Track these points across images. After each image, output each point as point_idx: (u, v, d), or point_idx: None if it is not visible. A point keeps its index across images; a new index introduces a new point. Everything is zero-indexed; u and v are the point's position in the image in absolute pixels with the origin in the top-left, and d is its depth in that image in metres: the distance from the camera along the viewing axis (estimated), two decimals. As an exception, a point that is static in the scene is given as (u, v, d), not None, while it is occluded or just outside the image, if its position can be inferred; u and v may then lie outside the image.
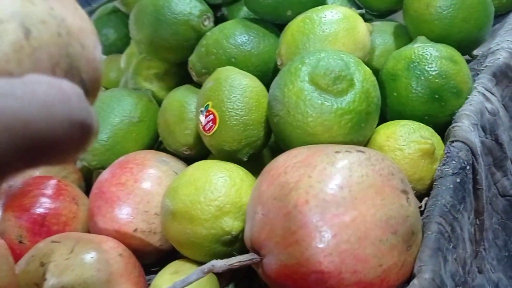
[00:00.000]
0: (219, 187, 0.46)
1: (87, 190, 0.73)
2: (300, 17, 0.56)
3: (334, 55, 0.46)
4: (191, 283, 0.37)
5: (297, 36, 0.54)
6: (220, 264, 0.38)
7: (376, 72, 0.57)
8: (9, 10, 0.25)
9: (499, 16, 0.67)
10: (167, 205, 0.49)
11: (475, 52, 0.61)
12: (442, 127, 0.51)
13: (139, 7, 0.66)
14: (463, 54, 0.57)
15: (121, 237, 0.53)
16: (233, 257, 0.39)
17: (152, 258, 0.57)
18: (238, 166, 0.51)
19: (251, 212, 0.40)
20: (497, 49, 0.55)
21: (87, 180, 0.73)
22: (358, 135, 0.46)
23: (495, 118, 0.52)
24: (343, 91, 0.44)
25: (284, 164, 0.40)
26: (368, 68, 0.48)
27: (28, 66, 0.25)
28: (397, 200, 0.38)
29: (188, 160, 0.63)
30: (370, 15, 0.69)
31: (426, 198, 0.44)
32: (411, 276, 0.38)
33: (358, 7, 0.65)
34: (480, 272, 0.52)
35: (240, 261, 0.39)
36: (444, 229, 0.40)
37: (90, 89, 0.29)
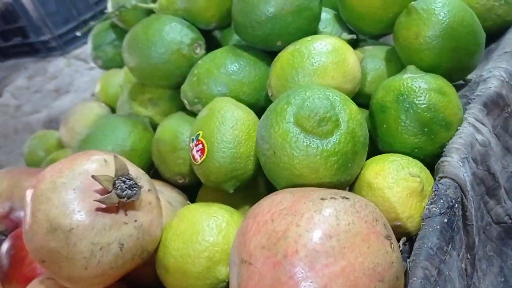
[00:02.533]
0: (206, 237, 0.47)
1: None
2: (289, 49, 0.56)
3: (319, 94, 0.46)
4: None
5: (286, 70, 0.54)
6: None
7: (368, 97, 0.57)
8: (114, 235, 0.44)
9: (495, 34, 0.66)
10: (159, 260, 0.50)
11: (468, 76, 0.60)
12: (433, 159, 0.51)
13: (131, 35, 0.66)
14: (455, 81, 0.56)
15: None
16: None
17: (149, 286, 0.57)
18: (222, 206, 0.51)
19: (237, 259, 0.41)
20: (488, 77, 0.54)
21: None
22: (345, 175, 0.46)
23: (486, 149, 0.51)
24: (328, 132, 0.44)
25: (269, 211, 0.40)
26: (354, 106, 0.47)
27: (119, 266, 0.45)
28: (382, 246, 0.38)
29: (182, 188, 0.64)
30: (364, 36, 0.68)
31: (403, 238, 0.44)
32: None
33: (350, 31, 0.65)
34: (474, 302, 0.52)
35: None
36: (430, 273, 0.40)
37: (151, 251, 0.49)
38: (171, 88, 0.69)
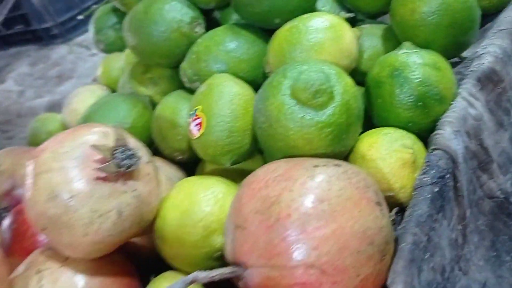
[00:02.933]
0: (203, 207, 0.48)
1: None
2: (287, 26, 0.57)
3: (315, 68, 0.47)
4: (172, 292, 0.39)
5: (284, 46, 0.55)
6: (203, 275, 0.40)
7: (364, 75, 0.58)
8: (113, 203, 0.45)
9: (491, 14, 0.67)
10: (156, 230, 0.51)
11: (464, 54, 0.61)
12: (427, 133, 0.52)
13: (132, 14, 0.67)
14: (450, 58, 0.57)
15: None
16: (216, 269, 0.41)
17: (146, 258, 0.59)
18: (219, 179, 0.52)
19: (231, 225, 0.42)
20: (483, 53, 0.55)
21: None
22: (339, 146, 0.47)
23: (479, 123, 0.52)
24: (323, 104, 0.45)
25: (264, 178, 0.42)
26: (349, 79, 0.48)
27: (117, 234, 0.46)
28: (373, 211, 0.40)
29: (181, 164, 0.65)
30: (362, 15, 0.69)
31: (396, 208, 0.45)
32: (384, 285, 0.40)
33: (349, 10, 0.65)
34: (465, 274, 0.53)
35: (222, 273, 0.40)
36: (419, 240, 0.41)
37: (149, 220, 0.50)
38: (171, 67, 0.70)
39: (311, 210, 0.38)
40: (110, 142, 0.47)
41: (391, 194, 0.47)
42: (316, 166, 0.41)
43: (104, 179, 0.45)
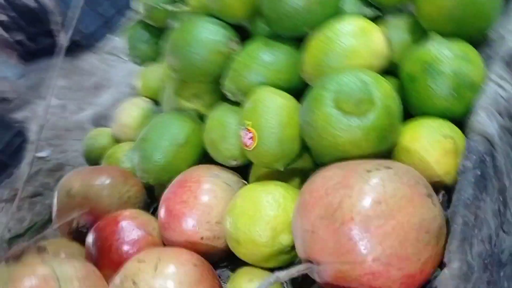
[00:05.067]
0: (268, 211, 0.56)
1: (149, 195, 0.82)
2: (318, 35, 0.61)
3: (353, 78, 0.52)
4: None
5: (317, 55, 0.60)
6: (283, 274, 0.46)
7: (394, 65, 0.62)
8: None
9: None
10: (230, 234, 0.59)
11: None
12: (462, 117, 0.56)
13: (171, 41, 0.73)
14: (476, 37, 0.60)
15: (191, 246, 0.64)
16: (293, 268, 0.47)
17: (219, 257, 0.66)
18: (277, 183, 0.60)
19: (300, 229, 0.48)
20: (506, 34, 0.58)
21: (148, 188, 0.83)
22: (385, 144, 0.52)
23: (510, 103, 0.56)
24: (366, 111, 0.50)
25: (323, 186, 0.47)
26: (387, 84, 0.53)
27: None
28: (425, 204, 0.45)
29: (236, 169, 0.72)
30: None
31: (442, 192, 0.50)
32: (441, 263, 0.45)
33: (369, 4, 0.68)
34: (509, 234, 0.58)
35: (299, 270, 0.47)
36: (468, 220, 0.47)
37: None
38: (212, 83, 0.75)
39: (371, 212, 0.43)
40: None
41: (437, 180, 0.52)
42: (369, 171, 0.46)
43: None
